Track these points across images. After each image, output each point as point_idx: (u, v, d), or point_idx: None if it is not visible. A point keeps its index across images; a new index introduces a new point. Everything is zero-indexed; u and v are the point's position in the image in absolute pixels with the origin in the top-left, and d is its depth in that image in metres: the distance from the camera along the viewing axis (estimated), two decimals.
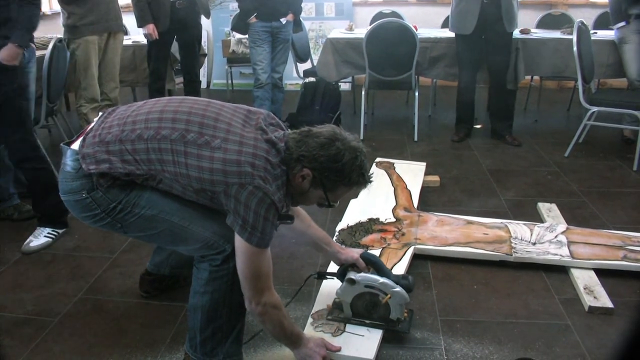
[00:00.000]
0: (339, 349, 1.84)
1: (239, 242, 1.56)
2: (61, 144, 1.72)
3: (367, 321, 1.96)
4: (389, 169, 3.34)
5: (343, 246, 2.16)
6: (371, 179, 1.70)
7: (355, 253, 2.02)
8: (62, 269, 2.47)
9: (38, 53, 3.71)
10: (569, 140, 4.02)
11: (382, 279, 1.91)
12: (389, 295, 1.90)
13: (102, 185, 1.61)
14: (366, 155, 1.67)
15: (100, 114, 1.75)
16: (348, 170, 1.61)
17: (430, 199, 3.21)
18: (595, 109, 3.79)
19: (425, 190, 3.23)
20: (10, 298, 2.25)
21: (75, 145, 1.67)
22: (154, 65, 4.32)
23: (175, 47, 4.58)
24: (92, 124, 1.72)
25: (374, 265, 1.99)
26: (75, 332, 2.04)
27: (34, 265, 2.50)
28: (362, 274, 1.94)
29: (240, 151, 1.53)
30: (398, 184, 3.14)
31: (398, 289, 1.91)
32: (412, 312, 2.08)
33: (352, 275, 1.92)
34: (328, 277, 2.09)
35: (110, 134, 1.61)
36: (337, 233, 2.63)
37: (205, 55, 5.26)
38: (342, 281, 1.96)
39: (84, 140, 1.65)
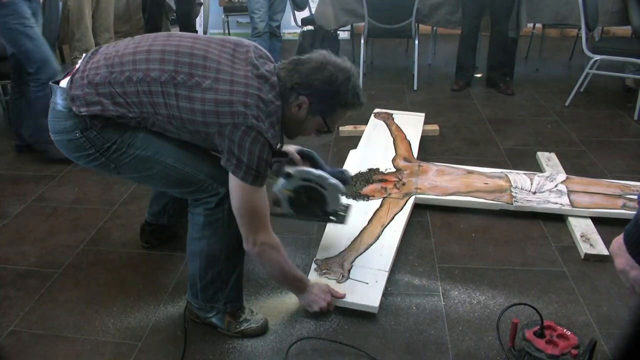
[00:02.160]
0: (344, 296, 1.86)
1: (233, 181, 1.55)
2: (50, 82, 1.67)
3: (304, 217, 1.98)
4: (388, 120, 3.32)
5: None
6: (365, 100, 1.69)
7: (291, 147, 1.98)
8: (63, 221, 2.49)
9: None
10: (570, 89, 3.98)
11: (318, 172, 1.90)
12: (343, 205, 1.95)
13: (96, 126, 1.57)
14: (357, 76, 1.65)
15: (84, 54, 1.69)
16: (343, 92, 1.60)
17: (430, 148, 3.20)
18: (598, 57, 3.74)
19: (424, 139, 3.22)
20: (13, 250, 2.27)
21: (63, 83, 1.61)
22: (149, 14, 4.24)
23: None
24: (78, 64, 1.65)
25: (311, 159, 1.97)
26: (79, 283, 2.07)
27: (35, 218, 2.52)
28: (299, 168, 1.92)
29: (232, 91, 1.50)
30: (397, 134, 3.13)
31: (334, 181, 1.91)
32: (350, 207, 2.10)
33: (288, 169, 1.89)
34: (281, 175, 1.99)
35: (99, 75, 1.56)
36: None
37: (201, 4, 5.14)
38: (277, 177, 1.93)
39: (71, 81, 1.59)
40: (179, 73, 1.52)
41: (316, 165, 1.97)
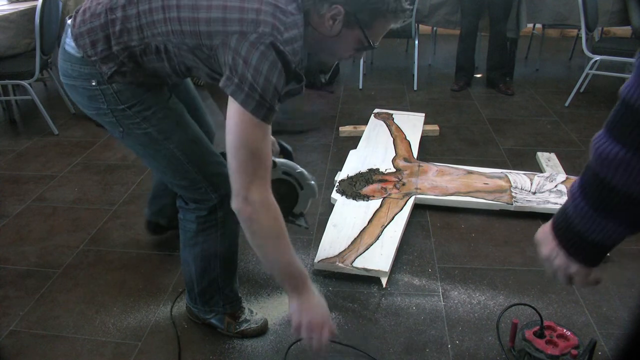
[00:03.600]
0: (335, 334, 1.44)
1: (232, 109, 1.27)
2: (66, 18, 1.54)
3: (291, 219, 1.86)
4: (388, 120, 3.32)
5: None
6: (409, 7, 1.40)
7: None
8: (63, 222, 2.49)
9: (29, 4, 3.65)
10: (570, 89, 3.98)
11: (300, 168, 1.79)
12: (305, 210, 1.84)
13: (107, 74, 1.42)
14: None
15: None
16: None
17: (430, 148, 3.20)
18: (598, 57, 3.74)
19: (424, 139, 3.22)
20: (13, 251, 2.27)
21: (70, 21, 1.47)
22: None
23: None
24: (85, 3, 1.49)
25: (286, 155, 1.86)
26: (79, 283, 2.07)
27: (35, 218, 2.52)
28: (283, 160, 1.79)
29: None
30: (397, 134, 3.13)
31: (312, 182, 1.81)
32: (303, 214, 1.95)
33: (273, 157, 1.67)
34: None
35: (100, 4, 1.40)
36: (337, 183, 2.64)
37: None
38: None
39: (74, 18, 1.44)
40: None
41: (289, 158, 1.85)
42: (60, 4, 3.49)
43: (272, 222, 1.32)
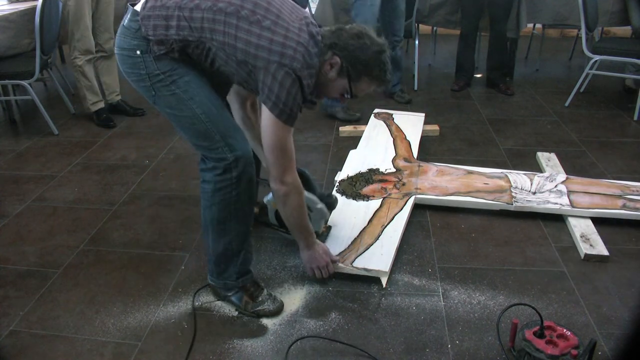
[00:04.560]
0: (337, 260, 2.02)
1: (269, 119, 1.68)
2: (128, 3, 1.79)
3: (284, 230, 2.03)
4: (388, 120, 3.32)
5: None
6: (391, 78, 1.83)
7: None
8: (63, 221, 2.49)
9: (29, 4, 3.65)
10: (570, 89, 3.98)
11: (308, 194, 1.98)
12: (324, 227, 2.07)
13: (155, 52, 1.69)
14: (388, 55, 1.77)
15: None
16: (372, 63, 1.73)
17: (430, 148, 3.20)
18: (598, 57, 3.74)
19: (424, 139, 3.22)
20: (13, 250, 2.27)
21: (137, 7, 1.74)
22: None
23: None
24: None
25: (303, 178, 2.03)
26: (79, 283, 2.07)
27: (35, 218, 2.52)
28: None
29: (287, 36, 1.64)
30: (397, 134, 3.13)
31: (321, 205, 2.04)
32: (330, 228, 2.17)
33: None
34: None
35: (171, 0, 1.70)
36: (337, 183, 2.64)
37: None
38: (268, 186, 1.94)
39: (145, 2, 1.72)
40: (244, 8, 1.65)
41: (307, 185, 2.05)
42: (60, 4, 3.49)
43: (298, 197, 1.83)
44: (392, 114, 3.41)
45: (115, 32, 1.83)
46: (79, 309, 1.93)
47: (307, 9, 5.04)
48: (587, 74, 3.89)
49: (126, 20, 1.75)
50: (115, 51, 1.81)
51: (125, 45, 1.75)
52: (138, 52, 1.72)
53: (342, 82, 1.77)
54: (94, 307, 1.94)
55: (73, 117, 3.80)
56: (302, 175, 2.06)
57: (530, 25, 4.92)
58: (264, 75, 1.65)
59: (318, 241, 1.99)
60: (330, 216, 2.25)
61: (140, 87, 1.79)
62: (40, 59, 3.36)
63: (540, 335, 1.59)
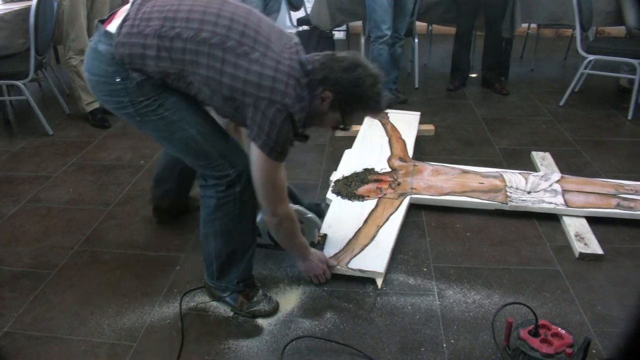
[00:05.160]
0: (335, 265, 2.02)
1: (258, 155, 1.62)
2: (96, 21, 1.70)
3: (280, 248, 2.03)
4: (383, 119, 3.32)
5: None
6: (385, 107, 1.79)
7: None
8: (58, 222, 2.48)
9: (24, 4, 3.63)
10: (564, 89, 3.99)
11: (295, 206, 2.00)
12: (319, 236, 2.10)
13: (136, 79, 1.59)
14: (383, 84, 1.72)
15: (132, 0, 1.68)
16: (367, 95, 1.66)
17: (425, 148, 3.20)
18: (592, 57, 3.74)
19: (420, 139, 3.22)
20: (8, 251, 2.27)
21: (111, 28, 1.61)
22: None
23: None
24: (127, 9, 1.64)
25: (288, 194, 2.01)
26: (74, 284, 2.06)
27: (29, 219, 2.51)
28: None
29: (277, 69, 1.55)
30: (392, 133, 3.13)
31: (310, 215, 2.04)
32: (326, 236, 2.17)
33: None
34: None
35: (150, 26, 1.56)
36: (332, 183, 2.64)
37: None
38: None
39: (121, 27, 1.59)
40: (230, 39, 1.54)
41: (293, 198, 2.07)
42: (55, 4, 3.48)
43: (291, 224, 1.82)
44: (387, 113, 3.41)
45: None
46: (73, 310, 1.92)
47: (302, 9, 5.04)
48: (582, 74, 3.90)
49: (99, 44, 1.63)
50: (86, 75, 1.69)
51: (99, 71, 1.63)
52: (118, 80, 1.60)
53: (334, 115, 1.71)
54: (88, 308, 1.94)
55: (68, 118, 3.79)
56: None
57: (525, 25, 4.93)
58: (253, 112, 1.56)
59: (313, 250, 1.99)
60: (326, 217, 2.25)
61: (122, 115, 1.70)
62: (35, 59, 3.35)
63: (535, 334, 1.60)
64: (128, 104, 1.64)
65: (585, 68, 3.82)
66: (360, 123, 3.16)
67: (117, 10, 1.69)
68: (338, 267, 2.03)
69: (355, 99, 1.66)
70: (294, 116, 1.58)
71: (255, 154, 1.63)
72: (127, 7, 1.66)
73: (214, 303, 1.94)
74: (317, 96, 1.66)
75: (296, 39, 1.70)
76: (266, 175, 1.65)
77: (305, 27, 4.66)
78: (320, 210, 2.13)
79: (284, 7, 4.56)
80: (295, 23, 4.93)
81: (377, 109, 1.74)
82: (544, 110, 3.86)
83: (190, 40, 1.53)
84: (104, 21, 1.67)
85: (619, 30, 4.58)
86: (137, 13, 1.60)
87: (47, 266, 2.16)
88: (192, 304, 1.95)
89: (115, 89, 1.62)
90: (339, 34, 5.53)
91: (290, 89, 1.56)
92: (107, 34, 1.61)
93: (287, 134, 1.60)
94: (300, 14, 5.11)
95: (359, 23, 4.60)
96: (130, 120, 1.72)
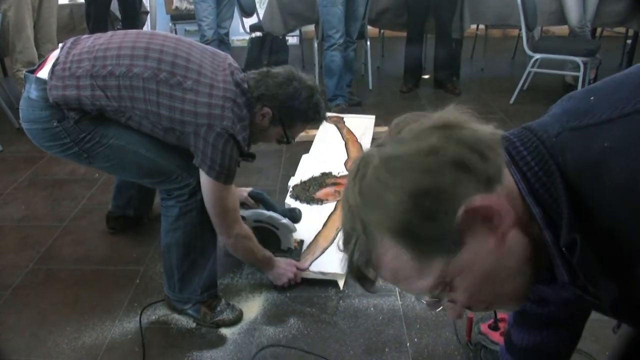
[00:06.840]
0: (307, 268, 2.02)
1: (206, 181, 1.64)
2: (24, 72, 1.70)
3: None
4: (339, 123, 3.35)
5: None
6: (326, 116, 1.82)
7: (244, 192, 2.12)
8: (11, 240, 2.41)
9: None
10: (514, 87, 4.11)
11: (269, 213, 2.04)
12: (296, 241, 2.12)
13: (73, 117, 1.60)
14: (321, 93, 1.77)
15: (62, 44, 1.70)
16: (305, 107, 1.71)
17: None
18: (538, 56, 3.87)
19: (376, 141, 3.25)
20: None
21: (42, 74, 1.63)
22: (93, 25, 4.14)
23: (115, 5, 4.39)
24: (57, 55, 1.66)
25: (262, 201, 2.10)
26: (30, 303, 2.01)
27: None
28: (251, 210, 2.05)
29: (211, 94, 1.58)
30: (348, 137, 3.16)
31: (285, 220, 2.05)
32: (302, 242, 2.19)
33: (242, 212, 1.96)
34: None
35: (81, 68, 1.59)
36: (290, 189, 2.64)
37: (147, 12, 5.06)
38: None
39: (52, 72, 1.61)
40: (162, 71, 1.57)
41: (267, 206, 2.09)
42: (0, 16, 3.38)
43: (248, 242, 1.84)
44: (342, 117, 3.44)
45: (59, 42, 1.80)
46: (30, 331, 1.87)
47: (254, 15, 5.03)
48: (529, 72, 4.02)
49: (30, 92, 1.63)
50: (24, 126, 1.69)
51: (34, 118, 1.63)
52: (55, 123, 1.61)
53: (276, 129, 1.76)
54: (46, 327, 1.89)
55: (18, 132, 3.67)
56: (258, 197, 2.13)
57: (474, 26, 5.05)
58: (195, 140, 1.60)
59: (277, 258, 1.99)
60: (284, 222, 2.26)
61: (69, 156, 1.70)
62: None
63: (494, 327, 1.64)
64: (71, 144, 1.65)
65: (532, 66, 3.95)
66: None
67: (46, 58, 1.69)
68: (307, 267, 2.03)
69: (294, 112, 1.71)
70: (236, 137, 1.60)
71: (203, 180, 1.65)
72: (56, 52, 1.68)
73: (176, 315, 1.92)
74: (256, 113, 1.70)
75: (230, 59, 1.72)
76: (216, 200, 1.67)
77: (258, 34, 4.64)
78: (295, 216, 2.14)
79: (236, 13, 4.55)
80: (248, 29, 4.91)
81: (317, 120, 1.78)
82: (495, 108, 3.96)
83: (123, 77, 1.56)
84: (33, 71, 1.67)
85: (562, 30, 4.74)
86: (67, 57, 1.62)
87: (1, 286, 2.09)
88: (154, 317, 1.92)
89: (55, 132, 1.63)
90: (292, 39, 5.55)
91: (227, 111, 1.58)
92: (39, 80, 1.62)
93: (232, 156, 1.62)
94: (253, 20, 5.10)
95: (312, 27, 4.63)
96: (78, 160, 1.73)
